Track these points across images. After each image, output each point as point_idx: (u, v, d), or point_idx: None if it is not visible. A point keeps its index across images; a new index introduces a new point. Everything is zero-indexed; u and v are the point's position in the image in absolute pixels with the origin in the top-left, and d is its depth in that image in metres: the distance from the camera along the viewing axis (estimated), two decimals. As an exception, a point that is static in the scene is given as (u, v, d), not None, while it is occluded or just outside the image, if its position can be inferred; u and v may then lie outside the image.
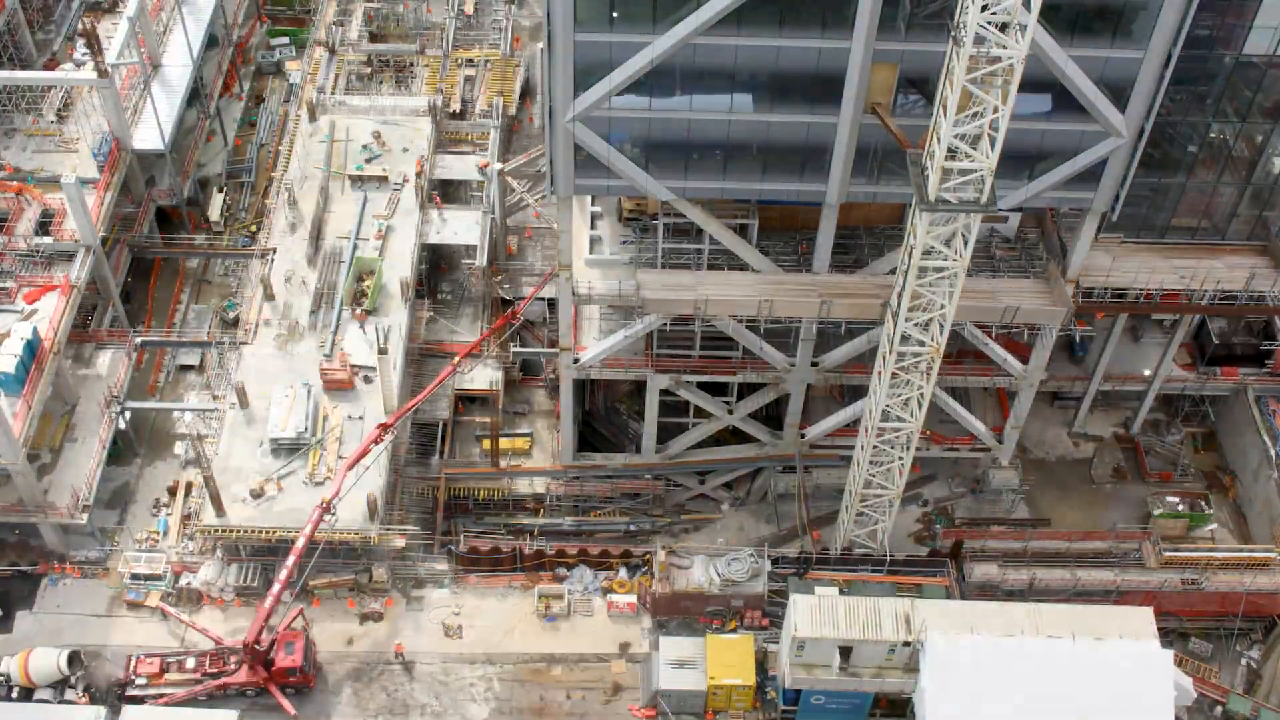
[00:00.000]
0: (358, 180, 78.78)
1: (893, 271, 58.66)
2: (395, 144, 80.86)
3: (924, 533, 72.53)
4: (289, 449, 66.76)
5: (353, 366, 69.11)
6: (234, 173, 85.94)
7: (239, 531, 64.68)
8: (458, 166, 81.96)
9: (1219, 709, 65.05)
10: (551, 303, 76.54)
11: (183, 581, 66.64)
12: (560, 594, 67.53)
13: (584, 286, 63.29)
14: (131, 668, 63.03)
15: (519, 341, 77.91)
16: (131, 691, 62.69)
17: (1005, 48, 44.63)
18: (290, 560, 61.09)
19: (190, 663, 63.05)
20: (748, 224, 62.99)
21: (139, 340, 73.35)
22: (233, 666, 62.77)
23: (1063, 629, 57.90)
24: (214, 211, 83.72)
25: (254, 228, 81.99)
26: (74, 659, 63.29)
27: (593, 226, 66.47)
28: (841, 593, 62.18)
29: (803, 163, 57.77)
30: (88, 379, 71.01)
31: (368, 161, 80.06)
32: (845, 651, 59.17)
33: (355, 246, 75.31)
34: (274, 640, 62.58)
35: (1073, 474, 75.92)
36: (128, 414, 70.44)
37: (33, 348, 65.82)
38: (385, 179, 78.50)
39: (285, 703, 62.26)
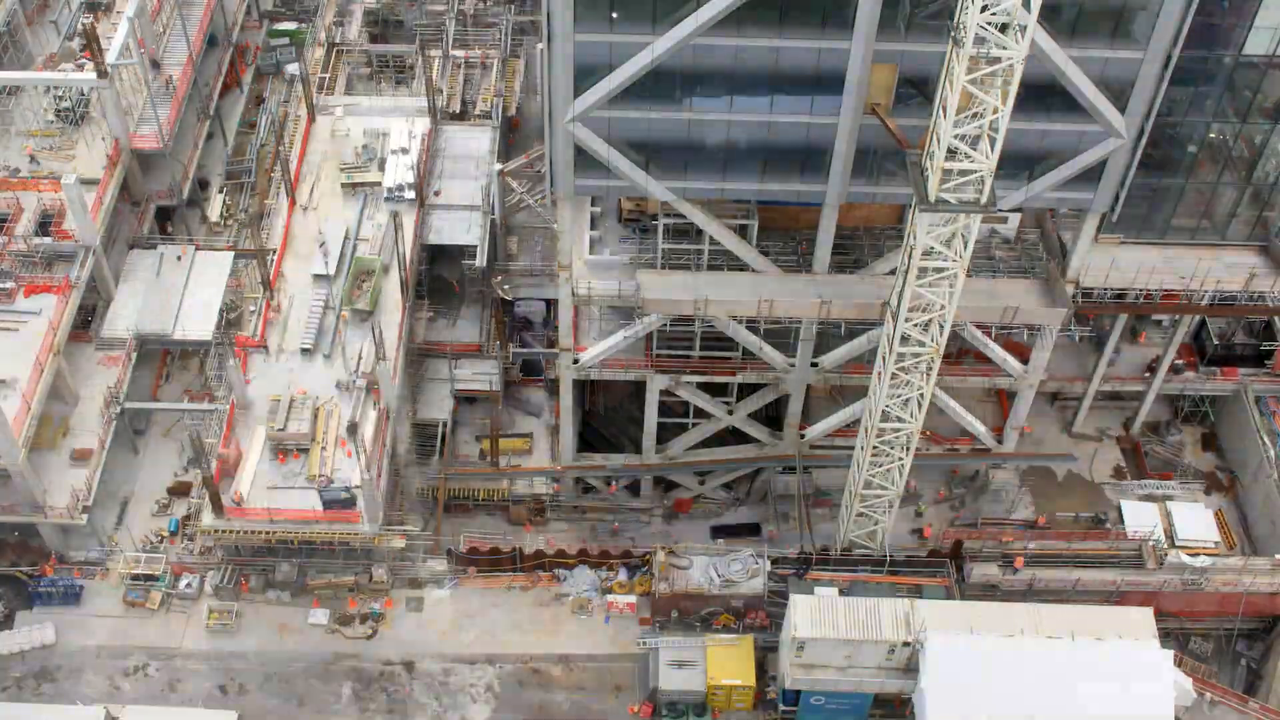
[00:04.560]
0: (351, 185, 79.04)
1: (893, 272, 58.68)
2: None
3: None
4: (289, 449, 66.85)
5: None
6: (234, 173, 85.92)
7: (239, 532, 64.69)
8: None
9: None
10: (550, 303, 76.59)
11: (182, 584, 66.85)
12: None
13: (584, 287, 63.30)
14: None
15: (519, 342, 78.01)
16: None
17: (1005, 48, 44.66)
18: None
19: None
20: (748, 224, 63.02)
21: (139, 340, 73.24)
22: None
23: (1062, 629, 57.90)
24: (214, 211, 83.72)
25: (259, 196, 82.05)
26: None
27: (593, 226, 66.49)
28: (841, 593, 62.20)
29: (802, 163, 57.80)
30: (88, 379, 70.99)
31: (368, 162, 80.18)
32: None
33: (354, 247, 75.44)
34: None
35: (1072, 474, 75.87)
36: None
37: None
38: (379, 184, 78.57)
39: None
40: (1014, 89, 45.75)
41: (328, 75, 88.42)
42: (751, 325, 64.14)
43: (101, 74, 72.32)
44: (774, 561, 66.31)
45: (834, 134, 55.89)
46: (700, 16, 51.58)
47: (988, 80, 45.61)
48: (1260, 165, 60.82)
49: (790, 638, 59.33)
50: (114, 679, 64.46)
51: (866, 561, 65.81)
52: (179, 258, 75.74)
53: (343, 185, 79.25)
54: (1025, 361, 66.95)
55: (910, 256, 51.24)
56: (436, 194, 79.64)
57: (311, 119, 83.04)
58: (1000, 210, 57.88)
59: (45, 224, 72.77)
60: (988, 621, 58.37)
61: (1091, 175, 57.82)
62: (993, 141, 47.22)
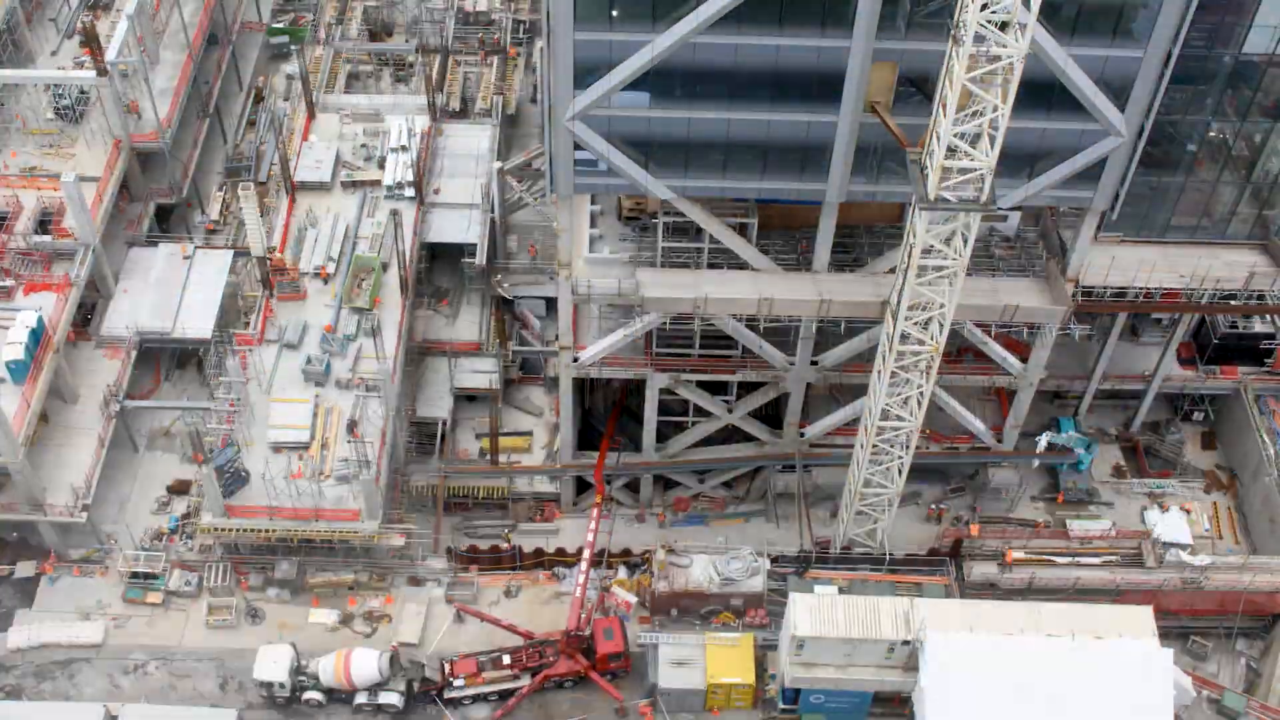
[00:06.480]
0: (352, 183, 79.05)
1: (892, 270, 58.65)
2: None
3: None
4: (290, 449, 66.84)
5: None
6: (234, 171, 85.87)
7: (238, 530, 64.67)
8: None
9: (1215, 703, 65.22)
10: (550, 301, 76.53)
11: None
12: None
13: (584, 285, 63.27)
14: (448, 670, 63.36)
15: (518, 340, 77.94)
16: (450, 694, 63.17)
17: (1005, 46, 44.65)
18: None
19: (506, 659, 63.73)
20: (747, 223, 62.98)
21: (138, 339, 73.21)
22: (551, 658, 63.62)
23: (1062, 628, 57.88)
24: (214, 211, 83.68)
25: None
26: (394, 660, 63.23)
27: (593, 225, 66.47)
28: (841, 591, 62.20)
29: (802, 161, 57.77)
30: (87, 377, 70.97)
31: (366, 160, 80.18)
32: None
33: (354, 245, 75.43)
34: (592, 627, 63.68)
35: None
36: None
37: (37, 335, 65.89)
38: (378, 182, 78.55)
39: (611, 689, 63.42)
40: (1014, 87, 45.74)
41: (327, 73, 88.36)
42: (751, 323, 64.08)
43: (101, 72, 72.30)
44: (774, 560, 66.33)
45: (834, 132, 55.86)
46: (700, 15, 51.54)
47: (987, 78, 45.60)
48: (1260, 164, 60.80)
49: (790, 636, 59.35)
50: (114, 677, 64.49)
51: (866, 560, 65.81)
52: (184, 256, 75.78)
53: (342, 183, 79.27)
54: (1025, 360, 66.93)
55: (910, 255, 51.24)
56: (436, 192, 79.66)
57: (311, 117, 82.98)
58: (1000, 209, 57.85)
59: (45, 222, 72.83)
60: (987, 620, 58.36)
61: (1091, 173, 57.77)
62: (992, 140, 47.22)
